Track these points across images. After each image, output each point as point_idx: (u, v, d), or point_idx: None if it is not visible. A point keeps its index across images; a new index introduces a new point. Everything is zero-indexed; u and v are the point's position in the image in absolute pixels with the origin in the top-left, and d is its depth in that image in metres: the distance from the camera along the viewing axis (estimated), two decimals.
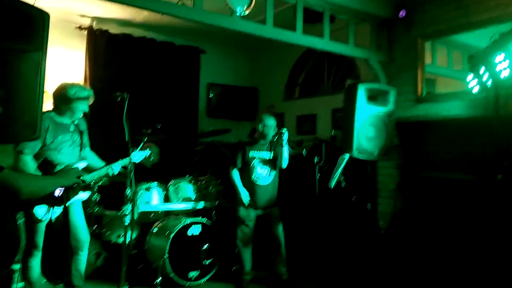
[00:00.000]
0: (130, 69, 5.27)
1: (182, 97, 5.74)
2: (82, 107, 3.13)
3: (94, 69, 5.05)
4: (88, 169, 3.24)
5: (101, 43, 5.12)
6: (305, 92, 5.96)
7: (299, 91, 6.06)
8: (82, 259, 3.29)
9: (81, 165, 3.21)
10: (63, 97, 3.07)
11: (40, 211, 2.84)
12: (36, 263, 3.04)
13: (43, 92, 2.35)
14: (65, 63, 4.89)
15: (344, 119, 3.80)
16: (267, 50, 6.25)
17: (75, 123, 3.20)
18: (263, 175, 3.85)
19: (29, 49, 2.23)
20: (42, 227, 3.00)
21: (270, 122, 3.87)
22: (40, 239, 3.00)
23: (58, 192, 1.87)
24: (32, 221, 2.96)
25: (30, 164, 2.92)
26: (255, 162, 3.82)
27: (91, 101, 3.19)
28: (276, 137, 3.75)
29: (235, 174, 3.84)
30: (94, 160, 3.37)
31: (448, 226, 3.58)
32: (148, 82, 5.41)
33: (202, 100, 6.08)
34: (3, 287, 1.66)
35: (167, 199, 4.18)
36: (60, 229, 3.18)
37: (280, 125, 3.98)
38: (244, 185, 3.80)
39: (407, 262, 3.60)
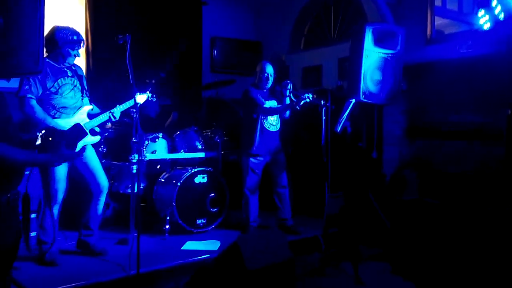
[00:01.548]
0: (131, 21, 5.14)
1: (185, 51, 5.63)
2: (72, 52, 3.07)
3: (94, 19, 4.94)
4: (91, 115, 3.24)
5: None
6: (310, 43, 5.82)
7: (304, 43, 5.92)
8: (101, 204, 3.34)
9: (86, 109, 3.21)
10: (52, 40, 3.02)
11: None
12: (52, 212, 3.09)
13: (43, 22, 2.30)
14: (64, 14, 4.78)
15: (350, 63, 3.72)
16: (271, 1, 6.06)
17: (73, 68, 3.17)
18: (273, 122, 3.89)
19: None
20: (57, 175, 3.02)
21: (271, 70, 3.88)
22: (55, 186, 3.03)
23: None
24: (45, 169, 2.99)
25: (36, 107, 2.93)
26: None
27: (81, 45, 3.13)
28: (281, 89, 3.80)
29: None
30: (94, 109, 3.35)
31: (458, 168, 3.55)
32: (150, 34, 5.30)
33: (206, 55, 5.97)
34: (9, 213, 1.66)
35: (173, 149, 4.19)
36: (77, 176, 3.22)
37: (285, 78, 3.97)
38: (256, 132, 3.82)
39: (410, 210, 3.60)
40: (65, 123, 3.02)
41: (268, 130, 3.88)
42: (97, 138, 3.32)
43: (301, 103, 3.59)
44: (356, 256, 3.27)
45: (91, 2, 4.92)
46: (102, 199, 3.32)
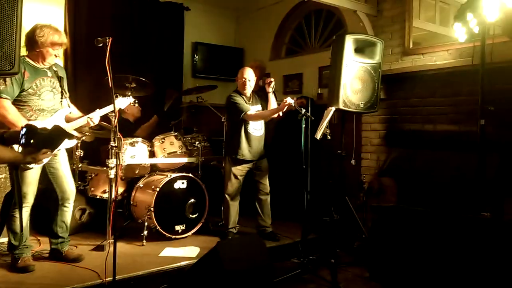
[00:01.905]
0: (112, 25, 5.10)
1: (166, 56, 5.61)
2: (52, 52, 2.97)
3: (74, 25, 4.87)
4: (69, 119, 3.19)
5: None
6: (291, 51, 5.88)
7: (286, 51, 5.98)
8: (69, 211, 3.26)
9: (64, 111, 3.15)
10: (32, 39, 2.92)
11: None
12: (23, 215, 3.00)
13: (21, 24, 2.25)
14: (42, 17, 4.69)
15: (331, 71, 3.77)
16: (253, 9, 6.11)
17: (52, 68, 3.10)
18: (257, 126, 3.92)
19: None
20: (28, 178, 2.94)
21: (251, 76, 3.94)
22: (27, 189, 2.94)
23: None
24: (15, 169, 2.90)
25: (10, 108, 2.83)
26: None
27: (63, 43, 3.04)
28: (269, 85, 3.87)
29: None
30: (73, 111, 3.29)
31: (433, 178, 3.64)
32: (131, 39, 5.27)
33: (187, 60, 5.96)
34: None
35: (152, 154, 4.14)
36: (45, 180, 3.15)
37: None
38: (241, 137, 3.84)
39: (390, 216, 3.66)
40: (41, 125, 2.94)
41: (253, 134, 3.89)
42: (72, 143, 3.27)
43: (285, 109, 3.65)
44: (334, 263, 3.30)
45: (71, 5, 4.85)
46: (69, 206, 3.25)
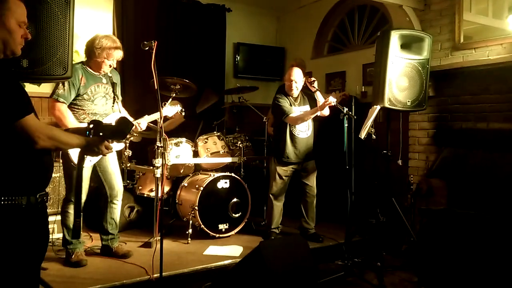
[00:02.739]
0: (157, 29, 5.25)
1: (209, 57, 5.69)
2: (108, 62, 3.14)
3: (121, 29, 5.06)
4: None
5: (128, 2, 5.11)
6: (334, 49, 5.78)
7: (328, 48, 5.89)
8: (117, 208, 3.40)
9: (116, 115, 3.29)
10: (91, 48, 3.11)
11: (76, 157, 2.92)
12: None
13: (73, 31, 2.37)
14: (93, 24, 4.91)
15: (375, 69, 3.67)
16: (294, 8, 6.06)
17: (107, 75, 3.25)
18: (303, 128, 3.86)
19: None
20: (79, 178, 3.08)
21: (297, 76, 3.83)
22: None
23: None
24: (69, 167, 3.07)
25: (66, 112, 3.01)
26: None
27: (118, 56, 3.18)
28: (311, 84, 3.77)
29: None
30: (124, 115, 3.43)
31: (487, 181, 3.44)
32: (174, 41, 5.39)
33: (229, 61, 6.02)
34: (38, 214, 1.71)
35: (196, 154, 4.22)
36: (96, 178, 3.29)
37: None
38: (286, 139, 3.81)
39: (440, 219, 3.51)
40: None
41: (298, 136, 3.84)
42: (121, 145, 3.41)
43: (326, 109, 3.59)
44: (380, 266, 3.21)
45: (119, 9, 5.04)
46: (118, 203, 3.38)
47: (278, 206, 3.92)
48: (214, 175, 3.98)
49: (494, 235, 2.52)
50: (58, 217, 3.60)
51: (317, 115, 3.74)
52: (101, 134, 1.79)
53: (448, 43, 3.98)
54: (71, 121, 3.02)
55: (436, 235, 2.80)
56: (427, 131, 4.14)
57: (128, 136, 3.91)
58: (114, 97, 3.32)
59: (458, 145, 3.77)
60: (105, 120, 3.20)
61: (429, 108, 3.94)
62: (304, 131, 3.88)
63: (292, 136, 3.82)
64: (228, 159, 4.25)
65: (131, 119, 3.40)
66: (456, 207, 3.37)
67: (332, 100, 3.47)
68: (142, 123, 3.41)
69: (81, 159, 1.83)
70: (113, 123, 2.04)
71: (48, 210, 3.62)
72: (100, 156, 3.08)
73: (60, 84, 2.99)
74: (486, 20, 4.21)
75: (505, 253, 2.44)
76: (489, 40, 3.73)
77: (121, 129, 1.90)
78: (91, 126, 1.81)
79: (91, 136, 1.79)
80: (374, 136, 3.56)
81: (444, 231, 2.76)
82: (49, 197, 1.86)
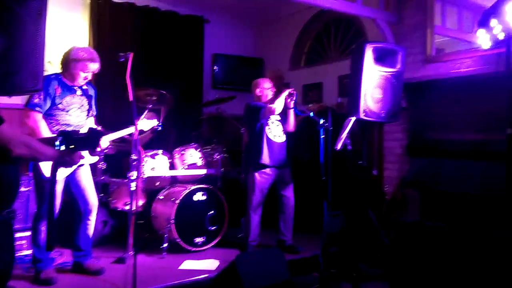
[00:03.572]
0: (134, 39, 5.21)
1: (187, 68, 5.68)
2: (83, 74, 3.10)
3: (97, 39, 5.00)
4: None
5: (104, 12, 5.06)
6: (311, 61, 5.86)
7: (305, 60, 5.96)
8: (91, 223, 3.31)
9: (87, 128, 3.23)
10: (67, 59, 3.08)
11: (47, 170, 2.84)
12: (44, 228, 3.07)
13: (44, 42, 2.32)
14: (68, 33, 4.85)
15: (351, 81, 3.72)
16: (272, 19, 6.13)
17: (83, 87, 3.20)
18: (278, 133, 3.91)
19: None
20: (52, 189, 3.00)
21: (268, 84, 3.98)
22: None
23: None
24: (41, 181, 2.98)
25: (41, 122, 2.95)
26: (270, 121, 3.89)
27: (94, 68, 3.14)
28: (290, 98, 3.77)
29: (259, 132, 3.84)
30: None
31: (459, 190, 3.51)
32: (152, 52, 5.35)
33: (207, 71, 6.02)
34: (3, 233, 1.64)
35: (172, 166, 4.17)
36: (69, 192, 3.21)
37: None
38: (262, 143, 3.82)
39: (414, 225, 3.55)
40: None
41: (274, 141, 3.86)
42: (95, 159, 3.35)
43: (299, 110, 3.72)
44: (356, 276, 3.21)
45: (94, 19, 4.98)
46: (92, 219, 3.29)
47: (255, 218, 3.90)
48: (190, 187, 3.94)
49: (464, 247, 2.57)
50: (28, 233, 3.49)
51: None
52: (71, 146, 1.76)
53: (420, 55, 4.09)
54: (44, 132, 2.96)
55: (407, 248, 2.83)
56: (401, 141, 4.22)
57: (101, 148, 3.85)
58: (89, 109, 3.26)
59: (430, 156, 3.85)
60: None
61: (403, 119, 4.02)
62: (280, 136, 3.92)
63: (269, 140, 3.84)
64: (205, 171, 4.21)
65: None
66: (430, 216, 3.42)
67: (310, 112, 3.54)
68: (103, 141, 3.27)
69: (54, 171, 1.79)
70: (83, 134, 2.01)
71: (16, 226, 3.53)
72: (73, 168, 3.03)
73: (36, 93, 2.93)
74: (456, 33, 4.35)
75: (475, 265, 2.49)
76: (459, 53, 3.84)
77: (91, 140, 1.87)
78: (60, 138, 1.77)
79: (61, 148, 1.75)
80: (349, 147, 3.59)
81: (415, 243, 2.79)
82: (15, 214, 1.79)
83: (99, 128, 3.44)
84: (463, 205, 3.36)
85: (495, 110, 3.33)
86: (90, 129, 1.93)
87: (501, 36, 2.88)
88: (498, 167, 2.90)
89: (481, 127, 3.54)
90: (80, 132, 2.01)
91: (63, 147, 1.78)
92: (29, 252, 3.42)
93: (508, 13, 2.65)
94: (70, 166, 1.83)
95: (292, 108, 3.84)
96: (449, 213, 3.34)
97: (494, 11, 2.80)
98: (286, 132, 4.00)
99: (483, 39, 3.11)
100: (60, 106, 3.05)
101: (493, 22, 2.85)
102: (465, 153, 3.59)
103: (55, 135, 2.87)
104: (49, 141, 1.83)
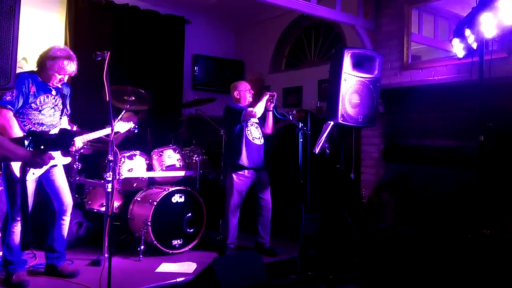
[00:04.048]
0: (112, 38, 5.14)
1: (167, 68, 5.63)
2: (58, 76, 3.03)
3: (74, 37, 4.90)
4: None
5: (82, 9, 4.96)
6: (291, 64, 5.90)
7: (285, 63, 6.00)
8: (66, 224, 3.24)
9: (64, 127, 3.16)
10: (43, 59, 3.00)
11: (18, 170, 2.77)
12: (18, 229, 2.98)
13: (17, 40, 2.26)
14: (43, 30, 4.74)
15: (329, 85, 3.77)
16: (253, 22, 6.15)
17: (58, 86, 3.13)
18: (257, 135, 3.94)
19: None
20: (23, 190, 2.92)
21: (247, 87, 4.01)
22: (19, 202, 2.91)
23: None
24: (12, 181, 2.90)
25: (12, 120, 2.86)
26: (249, 123, 3.91)
27: (71, 70, 3.07)
28: (271, 100, 3.83)
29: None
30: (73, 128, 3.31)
31: (430, 193, 3.61)
32: (131, 51, 5.29)
33: (187, 72, 5.98)
34: None
35: (150, 167, 4.13)
36: (42, 193, 3.14)
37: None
38: (242, 144, 3.82)
39: (388, 230, 3.63)
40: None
41: (253, 142, 3.88)
42: (68, 160, 3.28)
43: (279, 113, 3.78)
44: (333, 279, 3.25)
45: (72, 16, 4.88)
46: (66, 219, 3.23)
47: (233, 221, 3.90)
48: (168, 189, 3.90)
49: (435, 250, 2.64)
50: None
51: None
52: (42, 147, 1.73)
53: (397, 62, 4.19)
54: (15, 131, 2.87)
55: (381, 252, 2.89)
56: (378, 146, 4.30)
57: (75, 149, 3.78)
58: (63, 109, 3.19)
59: (405, 161, 3.94)
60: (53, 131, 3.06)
61: (380, 124, 4.10)
62: (258, 138, 3.95)
63: (248, 142, 3.86)
64: (183, 173, 4.18)
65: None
66: (404, 219, 3.50)
67: (290, 115, 3.58)
68: (76, 141, 3.25)
69: (24, 172, 1.76)
70: (54, 135, 1.97)
71: None
72: (44, 169, 2.96)
73: (8, 91, 2.84)
74: (432, 41, 4.47)
75: (447, 267, 2.56)
76: (434, 61, 3.95)
77: (62, 141, 1.84)
78: (29, 138, 1.74)
79: (30, 149, 1.72)
80: (327, 151, 3.64)
81: (389, 248, 2.85)
82: None
83: (75, 128, 3.38)
84: (436, 209, 3.45)
85: (468, 117, 3.44)
86: (61, 130, 1.90)
87: (474, 46, 2.97)
88: (469, 173, 2.99)
89: (454, 134, 3.65)
90: (51, 133, 1.98)
91: (31, 148, 1.74)
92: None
93: (481, 23, 2.74)
94: (40, 167, 1.80)
95: (271, 110, 3.88)
96: (422, 217, 3.42)
97: (468, 21, 2.89)
98: (264, 135, 4.02)
99: (457, 48, 3.21)
100: (33, 105, 2.97)
101: (467, 32, 2.95)
102: (438, 158, 3.69)
103: (25, 134, 2.82)
104: (18, 141, 1.79)
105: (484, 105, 2.90)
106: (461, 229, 2.82)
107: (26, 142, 1.74)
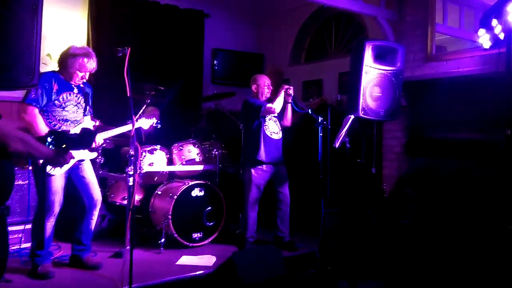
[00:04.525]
0: (133, 33, 5.18)
1: (186, 62, 5.65)
2: (80, 74, 3.10)
3: (96, 33, 4.96)
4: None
5: (104, 5, 5.02)
6: (311, 57, 5.83)
7: (305, 56, 5.93)
8: (94, 219, 3.32)
9: (87, 124, 3.23)
10: (64, 58, 3.08)
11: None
12: (49, 224, 3.07)
13: (40, 37, 2.30)
14: (67, 26, 4.82)
15: (350, 78, 3.71)
16: (273, 15, 6.10)
17: (80, 85, 3.20)
18: (275, 129, 3.92)
19: None
20: (54, 187, 3.00)
21: (267, 81, 3.98)
22: (51, 197, 3.00)
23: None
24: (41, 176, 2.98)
25: (38, 117, 2.96)
26: (267, 118, 3.89)
27: (91, 67, 3.13)
28: (287, 93, 3.79)
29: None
30: (97, 124, 3.38)
31: (455, 188, 3.52)
32: (152, 46, 5.32)
33: (207, 66, 5.99)
34: None
35: (170, 162, 4.17)
36: (71, 188, 3.21)
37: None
38: (260, 140, 3.82)
39: (411, 226, 3.56)
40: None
41: (271, 137, 3.87)
42: (94, 154, 3.35)
43: (299, 107, 3.76)
44: (353, 274, 3.22)
45: (93, 13, 4.94)
46: (95, 213, 3.31)
47: (253, 215, 3.91)
48: (188, 183, 3.94)
49: (460, 247, 2.57)
50: (26, 226, 3.50)
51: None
52: (64, 146, 1.76)
53: (420, 54, 4.07)
54: (42, 127, 2.96)
55: (403, 248, 2.84)
56: (400, 140, 4.21)
57: (97, 145, 3.84)
58: (86, 107, 3.26)
59: (429, 155, 3.84)
60: (76, 129, 3.13)
61: (402, 117, 4.01)
62: (277, 133, 3.94)
63: (266, 137, 3.85)
64: (203, 167, 4.20)
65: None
66: (428, 215, 3.42)
67: (309, 109, 3.54)
68: (97, 138, 3.27)
69: (43, 170, 1.81)
70: (75, 134, 2.01)
71: (15, 219, 3.54)
72: (70, 164, 3.03)
73: (33, 89, 2.93)
74: (458, 32, 4.32)
75: (472, 263, 2.49)
76: (459, 52, 3.83)
77: (84, 140, 1.88)
78: (51, 137, 1.78)
79: (51, 147, 1.76)
80: (348, 145, 3.59)
81: (411, 244, 2.80)
82: (9, 211, 1.78)
83: (97, 122, 3.44)
84: (461, 204, 3.36)
85: (494, 110, 3.32)
86: (83, 129, 1.95)
87: (501, 36, 2.86)
88: (496, 167, 2.90)
89: (480, 127, 3.53)
90: (73, 131, 2.02)
91: (52, 146, 1.79)
92: (27, 245, 3.43)
93: (509, 13, 2.64)
94: (61, 165, 1.85)
95: (290, 102, 3.85)
96: (446, 212, 3.34)
97: (495, 11, 2.79)
98: (282, 129, 3.99)
99: (484, 39, 3.10)
100: (56, 102, 3.05)
101: (494, 22, 2.84)
102: (464, 152, 3.58)
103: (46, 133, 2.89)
104: (40, 140, 1.84)
105: (510, 98, 2.80)
106: (487, 225, 2.74)
107: (49, 140, 1.78)
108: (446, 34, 4.29)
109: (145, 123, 3.72)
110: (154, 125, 3.80)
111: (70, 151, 1.84)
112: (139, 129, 3.74)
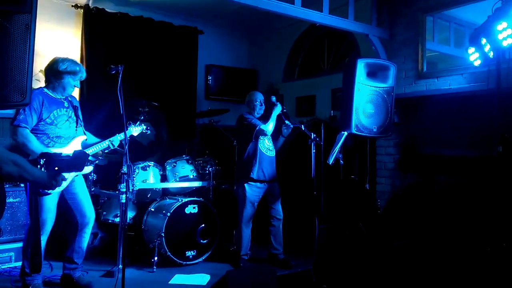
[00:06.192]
0: (127, 50, 5.19)
1: (180, 79, 5.66)
2: (73, 82, 3.10)
3: (90, 49, 4.97)
4: (86, 145, 3.24)
5: (97, 22, 5.04)
6: (304, 73, 5.88)
7: (298, 72, 5.99)
8: (86, 236, 3.28)
9: (80, 138, 3.20)
10: (54, 71, 3.05)
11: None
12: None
13: (33, 55, 2.30)
14: (60, 42, 4.83)
15: (342, 95, 3.74)
16: (266, 31, 6.16)
17: (68, 98, 3.18)
18: (270, 146, 3.93)
19: (17, 10, 2.17)
20: (46, 205, 2.97)
21: (262, 97, 4.00)
22: (43, 216, 2.96)
23: None
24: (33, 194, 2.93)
25: (30, 136, 2.91)
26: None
27: (82, 76, 3.14)
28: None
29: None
30: (89, 137, 3.35)
31: (449, 204, 3.53)
32: (146, 62, 5.34)
33: (201, 82, 6.01)
34: None
35: (164, 178, 4.15)
36: (64, 206, 3.17)
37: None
38: (255, 157, 3.81)
39: (405, 242, 3.55)
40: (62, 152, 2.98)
41: (266, 154, 3.87)
42: (89, 169, 3.32)
43: (289, 130, 3.79)
44: None
45: (87, 35, 4.95)
46: (87, 231, 3.26)
47: (246, 232, 3.88)
48: (182, 200, 3.91)
49: (451, 266, 2.57)
50: (17, 245, 3.44)
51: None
52: (56, 168, 1.75)
53: (412, 71, 4.12)
54: (35, 145, 2.91)
55: (398, 266, 2.83)
56: (393, 156, 4.23)
57: (93, 159, 3.81)
58: (77, 120, 3.24)
59: (422, 171, 3.86)
60: (69, 147, 3.10)
61: (395, 134, 4.04)
62: (271, 150, 3.94)
63: (261, 153, 3.84)
64: (196, 184, 4.18)
65: (96, 141, 3.30)
66: (421, 232, 3.42)
67: (300, 125, 3.58)
68: (114, 141, 3.29)
69: (35, 193, 1.79)
70: (67, 157, 2.00)
71: (5, 237, 3.47)
72: (66, 183, 3.00)
73: (21, 110, 2.90)
74: (448, 49, 4.40)
75: (462, 285, 2.49)
76: (450, 70, 3.88)
77: (77, 163, 1.87)
78: (42, 159, 1.76)
79: (43, 169, 1.74)
80: (341, 162, 3.60)
81: (405, 262, 2.79)
82: (1, 232, 1.77)
83: (87, 138, 3.37)
84: (455, 220, 3.36)
85: (486, 127, 3.35)
86: (75, 152, 1.94)
87: (491, 54, 2.92)
88: (488, 183, 2.92)
89: (472, 144, 3.57)
90: (65, 154, 2.01)
91: (43, 169, 1.78)
92: (17, 264, 3.37)
93: (498, 32, 2.69)
94: (54, 188, 1.83)
95: (284, 137, 3.93)
96: (440, 228, 3.34)
97: (484, 30, 2.84)
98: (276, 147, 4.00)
99: (474, 57, 3.15)
100: (48, 120, 3.01)
101: (483, 40, 2.89)
102: (456, 168, 3.61)
103: (49, 149, 2.85)
104: (32, 163, 1.82)
105: (501, 115, 2.83)
106: (481, 243, 2.74)
107: (41, 163, 1.77)
108: (436, 51, 4.36)
109: (135, 130, 3.65)
110: (144, 131, 3.76)
111: (63, 173, 1.82)
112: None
